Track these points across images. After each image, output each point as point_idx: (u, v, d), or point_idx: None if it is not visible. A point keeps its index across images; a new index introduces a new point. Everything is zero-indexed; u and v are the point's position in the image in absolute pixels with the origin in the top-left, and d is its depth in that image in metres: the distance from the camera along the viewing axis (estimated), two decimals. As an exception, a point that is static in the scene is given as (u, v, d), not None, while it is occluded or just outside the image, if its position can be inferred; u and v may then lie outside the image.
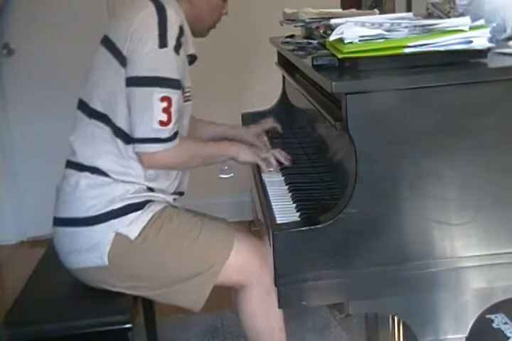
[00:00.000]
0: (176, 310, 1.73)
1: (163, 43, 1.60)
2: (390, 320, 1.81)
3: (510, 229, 1.34)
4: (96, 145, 1.69)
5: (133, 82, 1.62)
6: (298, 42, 1.89)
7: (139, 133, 1.63)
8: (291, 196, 1.57)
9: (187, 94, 1.77)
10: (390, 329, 1.82)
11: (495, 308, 1.39)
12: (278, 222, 1.40)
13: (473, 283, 1.35)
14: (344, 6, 2.66)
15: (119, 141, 1.67)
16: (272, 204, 1.53)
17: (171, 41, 1.61)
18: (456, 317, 1.37)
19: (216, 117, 3.32)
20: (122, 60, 1.64)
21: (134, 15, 1.65)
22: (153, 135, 1.62)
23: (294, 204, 1.50)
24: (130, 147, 1.67)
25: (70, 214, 1.68)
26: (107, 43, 1.70)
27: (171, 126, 1.63)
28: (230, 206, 3.42)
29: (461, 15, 1.65)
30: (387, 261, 1.31)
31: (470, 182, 1.31)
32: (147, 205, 1.69)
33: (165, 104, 1.61)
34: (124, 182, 1.68)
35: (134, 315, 1.69)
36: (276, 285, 1.30)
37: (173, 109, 1.62)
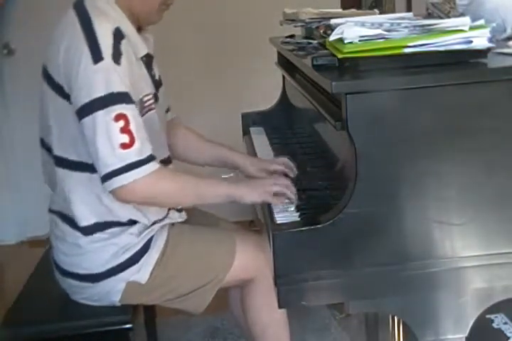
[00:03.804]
0: (176, 311, 1.73)
1: (97, 57, 1.39)
2: (390, 320, 1.81)
3: (510, 229, 1.34)
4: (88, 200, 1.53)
5: (81, 113, 1.40)
6: (298, 42, 1.89)
7: (104, 169, 1.40)
8: (291, 196, 1.57)
9: (148, 103, 1.55)
10: (390, 329, 1.82)
11: (495, 308, 1.39)
12: (278, 222, 1.41)
13: (473, 283, 1.35)
14: (344, 6, 2.66)
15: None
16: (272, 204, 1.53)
17: (107, 52, 1.40)
18: (456, 317, 1.37)
19: (216, 117, 3.31)
20: (68, 98, 1.45)
21: (60, 35, 1.48)
22: (120, 164, 1.39)
23: (294, 204, 1.50)
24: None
25: (73, 269, 1.61)
26: (48, 78, 1.51)
27: (137, 145, 1.39)
28: (230, 206, 3.40)
29: (461, 15, 1.65)
30: (387, 261, 1.31)
31: (470, 181, 1.31)
32: (152, 243, 1.60)
33: (122, 123, 1.38)
34: (128, 227, 1.58)
35: (135, 315, 1.69)
36: (276, 285, 1.30)
37: (132, 127, 1.39)
